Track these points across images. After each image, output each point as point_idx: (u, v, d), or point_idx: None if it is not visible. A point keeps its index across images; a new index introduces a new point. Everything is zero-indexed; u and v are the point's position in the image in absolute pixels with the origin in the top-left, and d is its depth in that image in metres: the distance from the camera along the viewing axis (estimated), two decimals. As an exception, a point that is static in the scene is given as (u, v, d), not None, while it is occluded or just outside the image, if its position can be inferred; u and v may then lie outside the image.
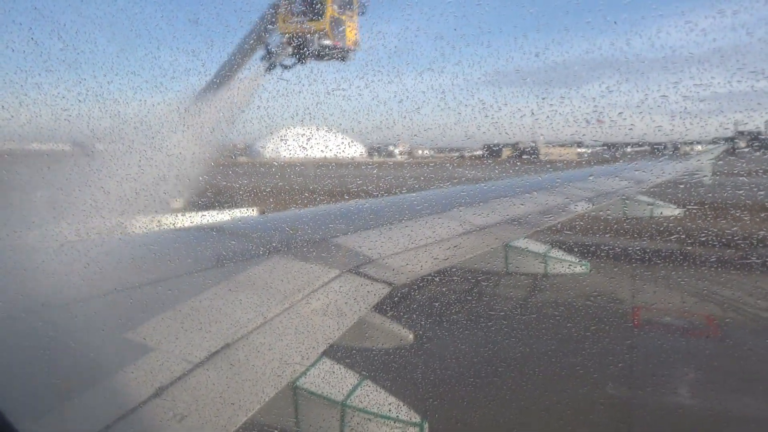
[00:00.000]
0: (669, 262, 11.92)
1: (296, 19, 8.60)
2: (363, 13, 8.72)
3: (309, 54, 8.63)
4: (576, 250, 9.39)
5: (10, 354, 2.96)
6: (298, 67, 8.72)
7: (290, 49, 8.53)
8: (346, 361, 4.16)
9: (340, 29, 8.47)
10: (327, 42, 8.44)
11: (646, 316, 10.66)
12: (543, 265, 8.74)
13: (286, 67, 8.72)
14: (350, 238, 5.94)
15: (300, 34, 8.64)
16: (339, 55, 8.55)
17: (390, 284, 4.70)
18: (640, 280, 11.86)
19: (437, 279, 11.25)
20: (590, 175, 9.82)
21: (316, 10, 8.49)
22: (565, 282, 9.91)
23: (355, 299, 4.39)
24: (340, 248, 5.57)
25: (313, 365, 3.65)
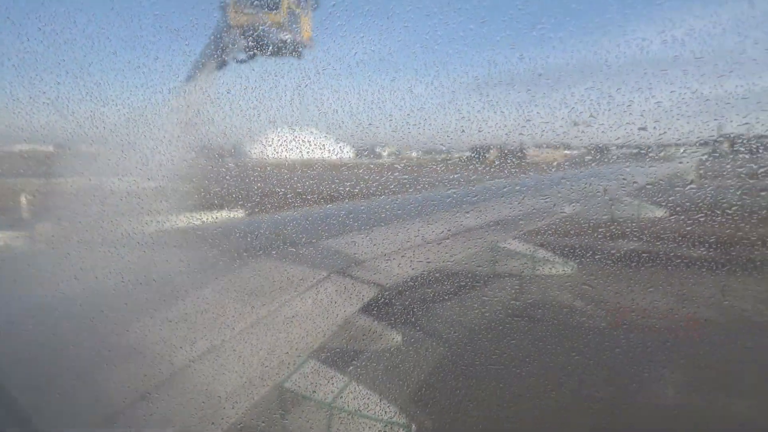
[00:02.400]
0: (654, 264, 12.09)
1: (250, 11, 8.26)
2: (316, 7, 8.37)
3: (264, 48, 8.23)
4: (562, 251, 9.48)
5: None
6: (252, 62, 8.28)
7: (245, 43, 8.16)
8: (334, 362, 4.17)
9: (296, 22, 8.15)
10: (283, 36, 8.10)
11: (631, 317, 10.81)
12: (530, 266, 8.84)
13: (240, 62, 8.26)
14: (337, 241, 5.94)
15: (253, 26, 8.29)
16: (294, 50, 8.19)
17: (377, 286, 4.71)
18: (625, 281, 12.02)
19: (425, 281, 11.25)
20: (575, 177, 9.95)
21: (271, 2, 8.16)
22: (553, 283, 9.99)
23: (342, 301, 4.40)
24: (328, 250, 5.58)
25: (300, 367, 3.65)
